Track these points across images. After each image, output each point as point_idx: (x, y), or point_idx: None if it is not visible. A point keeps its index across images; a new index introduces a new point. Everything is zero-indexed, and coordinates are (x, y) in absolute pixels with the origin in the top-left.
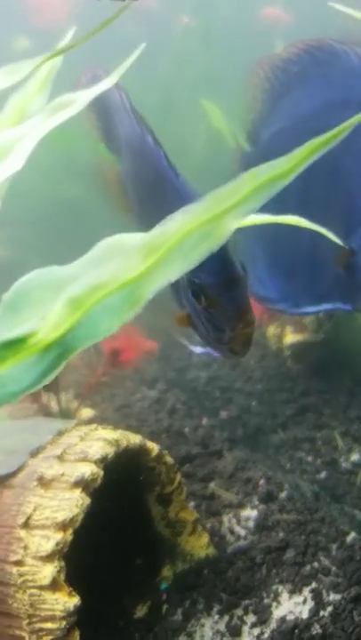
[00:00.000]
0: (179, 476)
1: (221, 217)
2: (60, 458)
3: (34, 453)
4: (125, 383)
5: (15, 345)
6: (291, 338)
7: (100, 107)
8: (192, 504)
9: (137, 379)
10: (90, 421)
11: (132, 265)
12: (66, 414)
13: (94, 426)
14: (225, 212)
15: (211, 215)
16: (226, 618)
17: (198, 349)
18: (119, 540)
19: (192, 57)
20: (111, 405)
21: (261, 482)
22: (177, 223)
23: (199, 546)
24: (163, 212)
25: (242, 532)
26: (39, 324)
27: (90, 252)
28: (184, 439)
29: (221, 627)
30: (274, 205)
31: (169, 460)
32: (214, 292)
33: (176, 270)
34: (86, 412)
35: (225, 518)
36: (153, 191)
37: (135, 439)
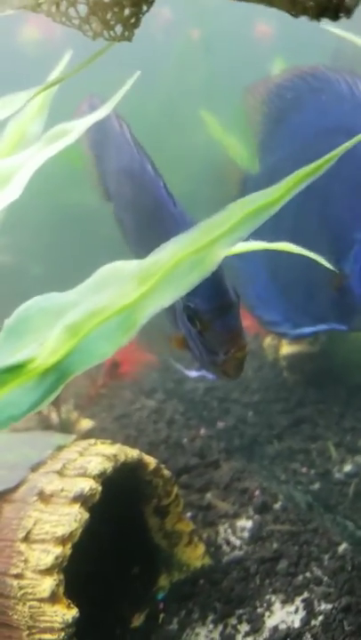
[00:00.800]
0: (175, 489)
1: (211, 246)
2: (60, 473)
3: (34, 468)
4: (124, 393)
5: (15, 370)
6: (287, 349)
7: (98, 135)
8: (189, 514)
9: (136, 389)
10: (89, 432)
11: (127, 292)
12: (66, 425)
13: (93, 441)
14: (214, 240)
15: (201, 244)
16: (220, 627)
17: (193, 373)
18: (117, 550)
19: (193, 66)
20: (110, 415)
21: (257, 492)
22: (169, 252)
23: (195, 556)
24: (160, 239)
25: (237, 543)
26: (38, 349)
27: (89, 279)
28: (182, 450)
29: (215, 635)
30: (271, 231)
31: (166, 473)
32: (208, 317)
33: (169, 297)
34: (86, 423)
35: (221, 529)
36: (151, 218)
37: (133, 453)
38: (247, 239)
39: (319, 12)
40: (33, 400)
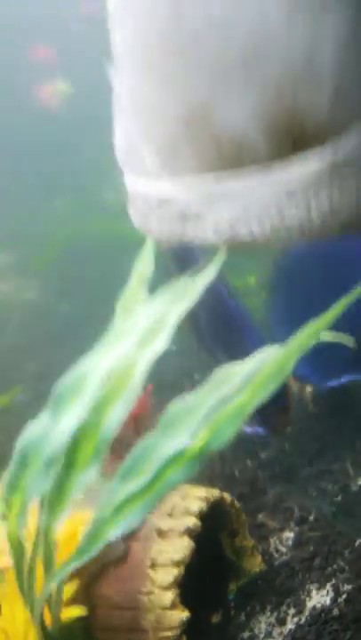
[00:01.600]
0: (243, 515)
1: (292, 356)
2: (170, 514)
3: (151, 512)
4: None
5: (177, 456)
6: (310, 386)
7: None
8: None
9: None
10: None
11: (241, 392)
12: None
13: (187, 486)
14: (296, 351)
15: (285, 355)
16: (275, 613)
17: (248, 429)
18: (199, 565)
19: None
20: None
21: (296, 509)
22: (266, 360)
23: (255, 564)
24: (235, 350)
25: (283, 550)
26: (191, 439)
27: (207, 383)
28: (235, 481)
29: (273, 620)
30: (304, 302)
31: (237, 504)
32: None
33: (266, 393)
34: None
35: (271, 541)
36: (225, 331)
37: (216, 493)
38: (291, 326)
39: None
40: (184, 477)
